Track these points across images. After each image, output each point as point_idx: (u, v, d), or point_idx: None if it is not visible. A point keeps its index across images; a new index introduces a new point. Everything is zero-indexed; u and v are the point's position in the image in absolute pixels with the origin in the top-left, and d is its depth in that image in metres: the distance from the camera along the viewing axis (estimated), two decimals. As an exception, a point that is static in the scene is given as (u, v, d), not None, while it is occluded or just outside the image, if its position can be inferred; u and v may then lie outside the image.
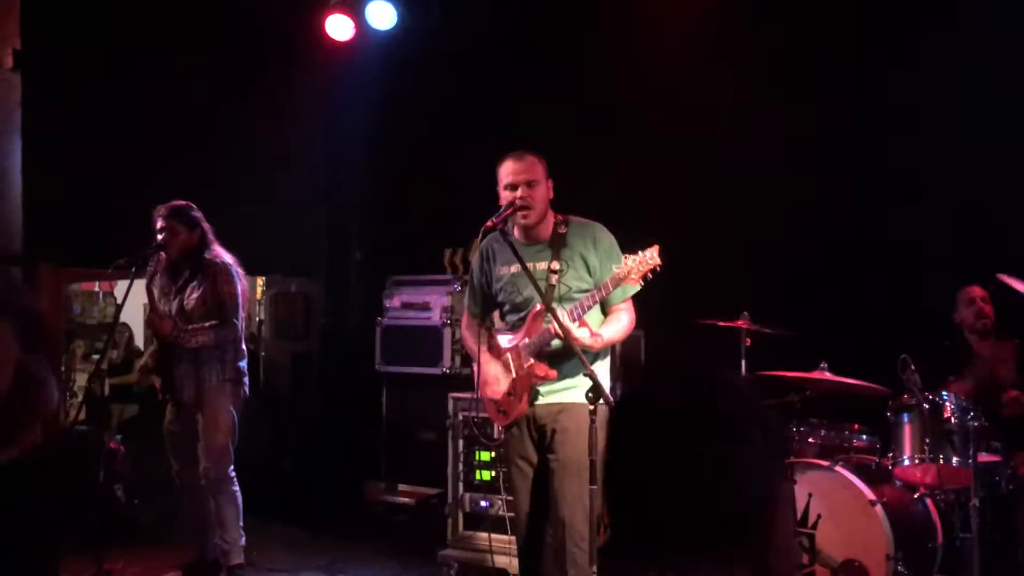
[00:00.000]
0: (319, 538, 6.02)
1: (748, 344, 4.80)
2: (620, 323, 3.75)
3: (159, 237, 4.73)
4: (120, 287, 7.47)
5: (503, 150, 3.95)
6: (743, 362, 4.77)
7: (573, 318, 3.56)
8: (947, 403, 4.20)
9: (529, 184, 3.73)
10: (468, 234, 5.50)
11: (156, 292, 4.81)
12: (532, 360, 3.72)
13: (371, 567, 5.43)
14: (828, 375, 4.46)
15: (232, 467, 4.79)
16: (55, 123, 5.88)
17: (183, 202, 4.82)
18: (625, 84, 6.19)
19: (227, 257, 4.84)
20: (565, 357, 3.66)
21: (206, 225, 4.84)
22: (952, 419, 4.16)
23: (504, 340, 3.86)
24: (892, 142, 5.49)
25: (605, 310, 3.79)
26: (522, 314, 3.80)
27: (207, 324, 4.69)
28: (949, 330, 5.05)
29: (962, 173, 5.25)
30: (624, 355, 5.39)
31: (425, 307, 6.25)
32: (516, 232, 3.85)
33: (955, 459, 4.14)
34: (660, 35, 5.95)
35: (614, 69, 6.20)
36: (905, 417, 4.32)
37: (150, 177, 5.95)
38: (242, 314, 4.82)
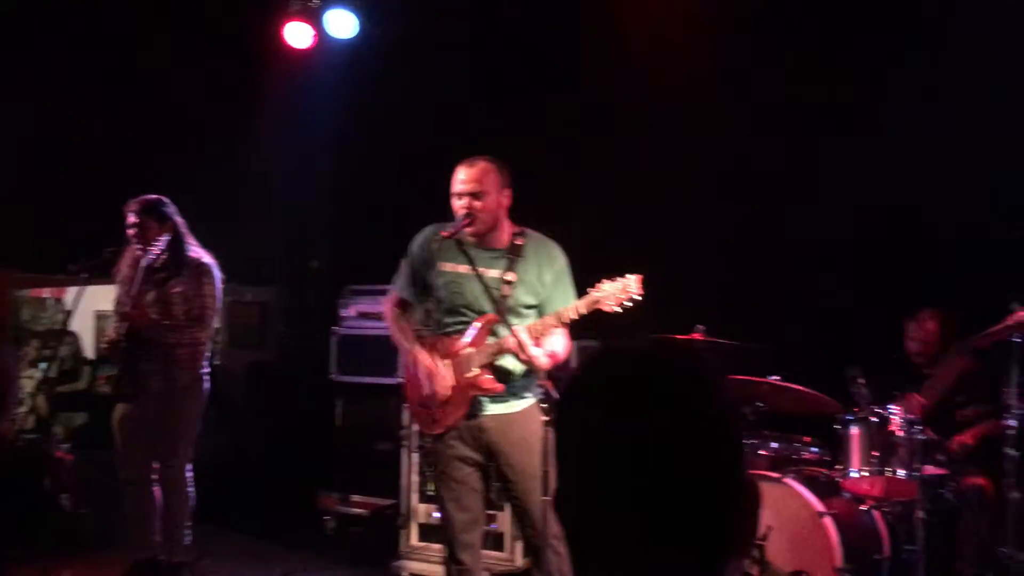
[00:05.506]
0: (272, 549, 5.95)
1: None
2: (564, 344, 3.61)
3: (129, 232, 4.69)
4: (70, 294, 7.37)
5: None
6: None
7: (534, 337, 3.45)
8: (894, 416, 4.27)
9: (474, 195, 3.52)
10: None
11: (121, 284, 4.76)
12: (477, 370, 3.54)
13: (323, 578, 5.39)
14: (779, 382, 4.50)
15: (190, 466, 4.79)
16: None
17: (154, 196, 4.78)
18: (593, 97, 6.18)
19: (208, 258, 4.82)
20: (512, 369, 3.57)
21: (179, 219, 4.80)
22: (898, 432, 4.23)
23: (442, 346, 3.64)
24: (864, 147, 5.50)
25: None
26: (461, 318, 3.61)
27: (185, 323, 4.67)
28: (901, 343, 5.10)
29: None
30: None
31: (381, 317, 6.16)
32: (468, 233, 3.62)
33: (901, 472, 4.20)
34: (607, 41, 5.99)
35: (581, 79, 6.21)
36: (853, 430, 4.39)
37: (101, 182, 5.87)
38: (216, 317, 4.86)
